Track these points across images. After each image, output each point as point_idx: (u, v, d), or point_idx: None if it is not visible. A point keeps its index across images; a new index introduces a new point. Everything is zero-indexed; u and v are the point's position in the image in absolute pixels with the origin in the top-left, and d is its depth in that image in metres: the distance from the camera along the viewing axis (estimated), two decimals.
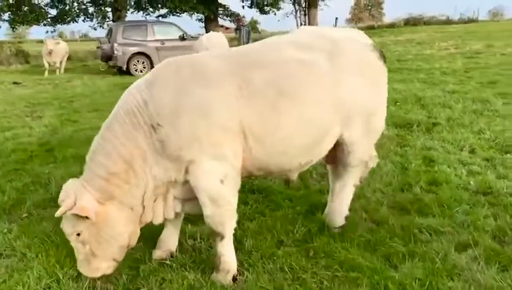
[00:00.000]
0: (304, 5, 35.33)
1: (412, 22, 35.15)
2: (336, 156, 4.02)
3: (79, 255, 3.44)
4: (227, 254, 3.55)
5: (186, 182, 3.46)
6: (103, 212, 3.35)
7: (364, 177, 4.32)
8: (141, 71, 19.37)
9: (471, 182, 5.07)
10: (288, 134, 3.52)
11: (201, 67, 3.49)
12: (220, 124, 3.30)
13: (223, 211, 3.44)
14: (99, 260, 3.43)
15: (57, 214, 3.27)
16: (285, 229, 4.23)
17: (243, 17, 20.06)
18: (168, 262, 3.78)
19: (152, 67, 19.48)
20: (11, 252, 4.08)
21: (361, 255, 3.71)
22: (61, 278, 3.59)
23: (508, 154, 5.94)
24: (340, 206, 4.18)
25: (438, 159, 5.93)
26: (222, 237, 3.50)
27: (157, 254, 3.88)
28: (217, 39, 11.96)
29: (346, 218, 4.15)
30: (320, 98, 3.62)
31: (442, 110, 8.54)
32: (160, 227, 3.90)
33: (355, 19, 67.01)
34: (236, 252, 3.72)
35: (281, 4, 34.44)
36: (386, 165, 5.70)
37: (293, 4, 35.52)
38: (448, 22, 36.67)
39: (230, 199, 3.45)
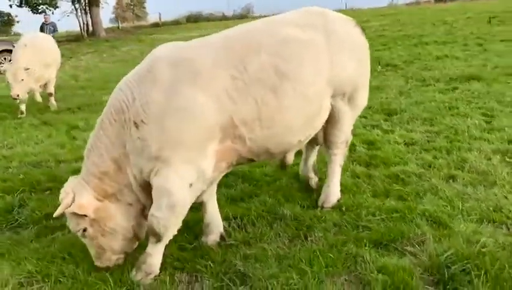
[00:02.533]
0: (84, 4, 33.51)
1: (193, 19, 36.76)
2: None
3: (91, 249, 3.51)
4: (155, 256, 3.46)
5: None
6: (102, 207, 3.40)
7: (346, 156, 4.56)
8: None
9: (397, 137, 6.13)
10: (289, 115, 3.54)
11: (193, 61, 3.37)
12: (206, 128, 3.27)
13: (174, 218, 3.36)
14: (109, 253, 3.50)
15: (55, 214, 3.31)
16: (300, 197, 4.56)
17: (47, 14, 18.35)
18: (231, 242, 3.83)
19: None
20: (34, 278, 3.55)
21: (383, 201, 4.31)
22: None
23: (395, 115, 7.28)
24: (335, 189, 4.40)
25: None
26: (159, 240, 3.41)
27: (212, 238, 3.86)
28: (41, 39, 10.89)
29: (339, 200, 4.37)
30: (318, 75, 3.68)
31: None
32: None
33: (119, 18, 65.85)
34: (283, 219, 4.07)
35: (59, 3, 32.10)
36: None
37: (72, 3, 33.27)
38: (224, 18, 39.50)
39: (187, 206, 3.40)
